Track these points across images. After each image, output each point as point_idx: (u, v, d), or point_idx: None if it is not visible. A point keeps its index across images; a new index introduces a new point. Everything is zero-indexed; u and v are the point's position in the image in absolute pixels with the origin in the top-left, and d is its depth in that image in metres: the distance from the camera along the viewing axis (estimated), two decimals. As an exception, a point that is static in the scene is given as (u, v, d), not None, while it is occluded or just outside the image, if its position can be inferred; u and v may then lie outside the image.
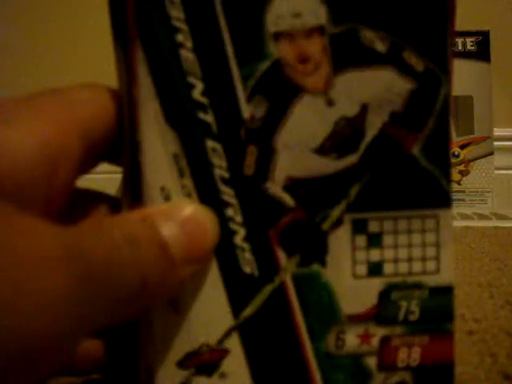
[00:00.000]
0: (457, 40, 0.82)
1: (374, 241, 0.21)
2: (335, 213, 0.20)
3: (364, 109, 0.20)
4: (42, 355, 0.14)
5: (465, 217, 0.75)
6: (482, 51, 0.83)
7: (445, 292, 0.21)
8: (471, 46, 0.83)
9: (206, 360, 0.20)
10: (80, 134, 0.18)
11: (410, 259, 0.21)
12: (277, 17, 0.19)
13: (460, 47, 0.82)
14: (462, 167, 0.84)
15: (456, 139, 0.83)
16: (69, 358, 0.15)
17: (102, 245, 0.16)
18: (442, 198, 0.21)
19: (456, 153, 0.83)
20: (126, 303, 0.16)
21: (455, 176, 0.83)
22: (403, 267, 0.21)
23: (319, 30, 0.19)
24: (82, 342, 0.21)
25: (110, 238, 0.16)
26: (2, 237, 0.13)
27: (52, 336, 0.13)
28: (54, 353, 0.14)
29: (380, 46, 0.20)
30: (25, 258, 0.13)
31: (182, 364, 0.20)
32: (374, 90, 0.20)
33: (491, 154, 0.84)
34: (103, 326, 0.16)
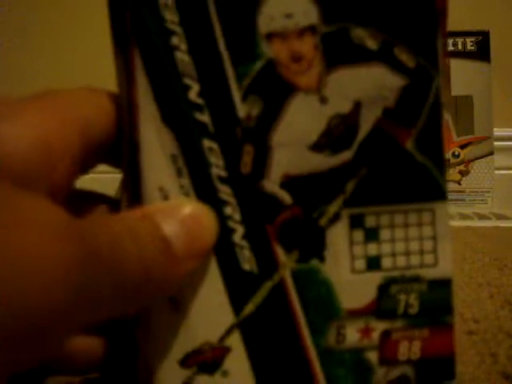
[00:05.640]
0: (457, 40, 0.83)
1: (372, 235, 0.21)
2: (332, 208, 0.20)
3: (357, 105, 0.20)
4: (39, 334, 0.13)
5: (465, 217, 0.75)
6: (482, 51, 0.83)
7: (443, 285, 0.21)
8: (471, 46, 0.83)
9: (207, 358, 0.20)
10: (80, 131, 0.19)
11: (407, 253, 0.21)
12: (269, 18, 0.19)
13: (460, 47, 0.83)
14: (462, 167, 0.84)
15: (456, 139, 0.83)
16: (66, 343, 0.15)
17: (105, 235, 0.16)
18: (436, 192, 0.21)
19: (456, 153, 0.83)
20: (129, 297, 0.17)
21: (455, 176, 0.83)
22: (401, 261, 0.21)
23: (311, 29, 0.20)
24: (82, 339, 0.21)
25: (112, 230, 0.16)
26: (3, 213, 0.13)
27: (50, 315, 0.13)
28: (51, 334, 0.14)
29: (371, 44, 0.20)
30: (26, 234, 0.13)
31: (183, 363, 0.20)
32: (367, 86, 0.20)
33: (491, 154, 0.84)
34: (104, 318, 0.16)
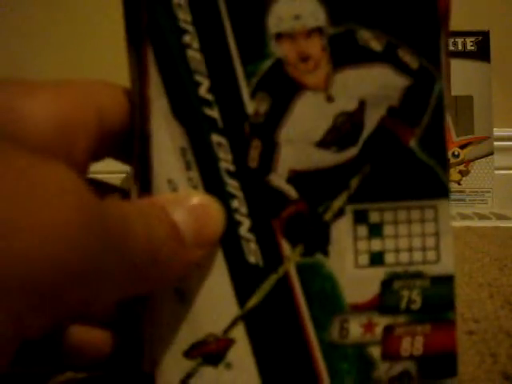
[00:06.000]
0: (457, 40, 0.83)
1: (375, 231, 0.21)
2: (337, 204, 0.21)
3: (362, 104, 0.21)
4: (51, 292, 0.13)
5: (465, 217, 0.75)
6: (482, 51, 0.83)
7: (445, 281, 0.21)
8: (471, 46, 0.83)
9: (212, 350, 0.20)
10: (96, 114, 0.19)
11: (410, 249, 0.21)
12: (278, 19, 0.20)
13: (460, 47, 0.83)
14: (462, 167, 0.84)
15: (456, 139, 0.83)
16: (74, 313, 0.15)
17: (116, 213, 0.16)
18: (439, 189, 0.21)
19: (456, 153, 0.83)
20: (135, 278, 0.17)
21: (455, 176, 0.83)
22: (404, 257, 0.21)
23: (318, 30, 0.20)
24: (91, 332, 0.21)
25: (123, 211, 0.17)
26: (23, 177, 0.13)
27: (64, 276, 0.14)
28: (63, 295, 0.14)
29: (376, 45, 0.20)
30: (43, 198, 0.13)
31: (188, 354, 0.20)
32: (371, 86, 0.21)
33: (491, 154, 0.84)
34: (110, 296, 0.17)
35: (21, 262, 0.13)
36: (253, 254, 0.20)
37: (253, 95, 0.20)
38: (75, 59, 0.93)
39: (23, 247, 0.13)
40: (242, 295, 0.20)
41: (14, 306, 0.13)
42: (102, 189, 0.22)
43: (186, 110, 0.20)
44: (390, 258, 0.21)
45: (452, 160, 0.83)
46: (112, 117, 0.20)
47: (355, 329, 0.21)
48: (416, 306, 0.21)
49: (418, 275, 0.21)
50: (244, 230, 0.20)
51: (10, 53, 0.94)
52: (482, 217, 0.75)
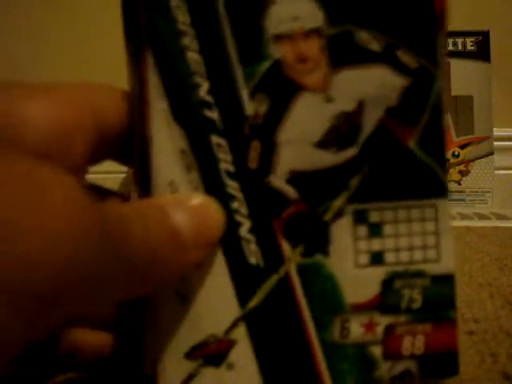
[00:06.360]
0: (457, 40, 0.83)
1: (375, 230, 0.21)
2: (336, 204, 0.21)
3: (361, 104, 0.21)
4: (53, 301, 0.13)
5: (465, 217, 0.75)
6: (482, 51, 0.83)
7: (446, 280, 0.21)
8: (471, 46, 0.83)
9: (213, 351, 0.20)
10: (93, 117, 0.19)
11: (410, 248, 0.21)
12: (277, 20, 0.20)
13: (460, 47, 0.83)
14: (462, 167, 0.84)
15: (456, 139, 0.83)
16: (75, 317, 0.15)
17: (115, 214, 0.16)
18: (438, 189, 0.21)
19: (456, 153, 0.83)
20: (138, 278, 0.17)
21: (455, 176, 0.83)
22: (404, 256, 0.21)
23: (317, 31, 0.20)
24: (92, 334, 0.21)
25: (121, 211, 0.17)
26: (26, 183, 0.13)
27: (66, 280, 0.14)
28: (64, 303, 0.14)
29: (374, 46, 0.21)
30: (50, 203, 0.13)
31: (189, 355, 0.20)
32: (370, 86, 0.21)
33: (491, 154, 0.84)
34: (109, 298, 0.17)
35: (23, 266, 0.13)
36: (253, 254, 0.20)
37: (252, 96, 0.20)
38: (76, 60, 0.93)
39: (25, 250, 0.13)
40: (242, 296, 0.20)
41: (17, 309, 0.13)
42: (100, 193, 0.22)
43: (185, 112, 0.20)
44: (390, 257, 0.21)
45: (452, 160, 0.83)
46: (109, 119, 0.20)
47: (356, 329, 0.21)
48: (417, 305, 0.21)
49: (419, 274, 0.21)
50: (244, 231, 0.20)
51: (10, 53, 0.94)
52: (482, 217, 0.75)
